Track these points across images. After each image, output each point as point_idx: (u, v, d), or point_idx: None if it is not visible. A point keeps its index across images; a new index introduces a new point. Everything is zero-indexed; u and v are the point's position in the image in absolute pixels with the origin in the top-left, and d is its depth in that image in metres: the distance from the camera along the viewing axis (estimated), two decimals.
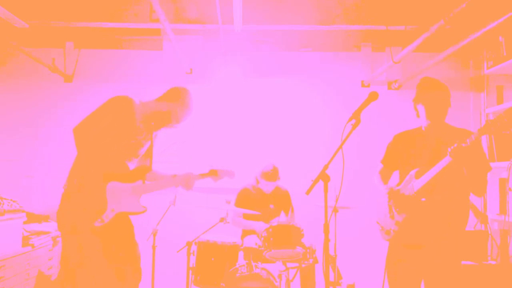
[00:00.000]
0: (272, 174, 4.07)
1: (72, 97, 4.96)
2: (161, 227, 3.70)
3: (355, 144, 3.43)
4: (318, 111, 5.05)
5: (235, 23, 3.97)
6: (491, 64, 4.50)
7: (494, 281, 3.68)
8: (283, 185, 4.33)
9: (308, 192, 2.34)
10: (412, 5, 4.07)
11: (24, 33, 4.38)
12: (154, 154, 2.98)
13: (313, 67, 5.13)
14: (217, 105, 5.06)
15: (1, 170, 4.89)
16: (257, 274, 3.38)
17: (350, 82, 5.09)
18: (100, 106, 2.68)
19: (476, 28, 3.59)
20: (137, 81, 4.94)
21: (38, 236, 4.11)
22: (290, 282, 3.46)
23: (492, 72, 4.60)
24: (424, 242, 2.67)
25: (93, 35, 4.87)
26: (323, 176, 2.31)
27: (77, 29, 4.55)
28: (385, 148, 3.01)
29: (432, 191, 2.62)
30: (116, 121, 2.65)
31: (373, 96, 2.30)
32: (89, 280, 2.65)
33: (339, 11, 4.19)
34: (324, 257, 2.33)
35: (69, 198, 2.60)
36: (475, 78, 5.02)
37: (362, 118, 2.31)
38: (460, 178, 2.62)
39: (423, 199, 2.63)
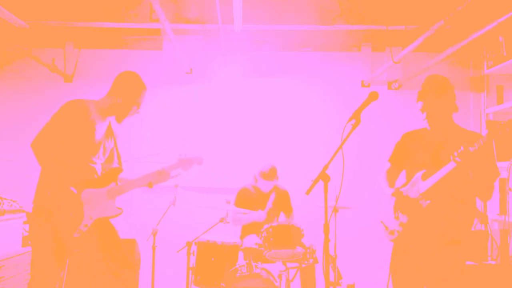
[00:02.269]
0: (270, 174, 4.07)
1: (72, 97, 4.90)
2: (161, 227, 3.70)
3: (355, 144, 3.44)
4: (318, 111, 5.05)
5: (235, 23, 3.97)
6: (491, 64, 4.50)
7: (494, 281, 3.68)
8: (283, 185, 4.34)
9: (308, 192, 2.34)
10: (412, 5, 4.07)
11: (24, 33, 4.39)
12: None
13: (313, 67, 5.13)
14: (217, 105, 5.06)
15: (1, 170, 4.89)
16: (257, 274, 3.38)
17: (350, 82, 5.10)
18: (53, 115, 2.65)
19: (476, 28, 3.59)
20: None
21: None
22: (290, 282, 3.46)
23: (492, 72, 4.60)
24: (428, 244, 2.64)
25: (93, 35, 4.88)
26: (323, 176, 2.31)
27: (77, 29, 4.55)
28: (393, 147, 2.99)
29: (438, 193, 2.60)
30: (70, 127, 2.62)
31: (373, 96, 2.30)
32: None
33: (339, 11, 4.19)
34: (324, 257, 2.33)
35: (40, 211, 2.59)
36: (475, 78, 5.02)
37: (362, 118, 2.31)
38: (466, 181, 2.61)
39: (429, 201, 2.62)
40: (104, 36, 4.93)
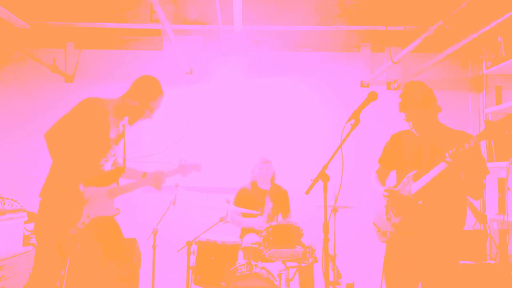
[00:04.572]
0: (266, 160, 4.26)
1: (73, 97, 4.87)
2: (161, 227, 3.71)
3: (355, 144, 3.45)
4: (318, 111, 5.07)
5: (235, 23, 3.98)
6: (490, 64, 4.51)
7: (493, 281, 3.70)
8: (283, 185, 4.36)
9: (307, 192, 2.35)
10: (411, 5, 4.08)
11: (25, 34, 4.39)
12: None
13: (313, 67, 5.15)
14: (217, 105, 5.08)
15: (1, 170, 4.90)
16: (256, 273, 3.39)
17: (350, 82, 5.11)
18: (71, 110, 2.67)
19: (475, 28, 3.60)
20: None
21: None
22: (289, 281, 3.48)
23: (491, 72, 4.61)
24: (420, 244, 2.65)
25: (94, 36, 4.89)
26: (323, 176, 2.32)
27: (77, 29, 4.56)
28: (383, 147, 3.02)
29: (429, 193, 2.61)
30: (87, 123, 2.64)
31: (372, 96, 2.31)
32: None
33: (339, 11, 4.21)
34: (324, 257, 2.34)
35: (47, 205, 2.60)
36: (474, 78, 5.04)
37: (362, 118, 2.33)
38: (457, 180, 2.62)
39: (420, 201, 2.63)
40: (105, 37, 4.94)
